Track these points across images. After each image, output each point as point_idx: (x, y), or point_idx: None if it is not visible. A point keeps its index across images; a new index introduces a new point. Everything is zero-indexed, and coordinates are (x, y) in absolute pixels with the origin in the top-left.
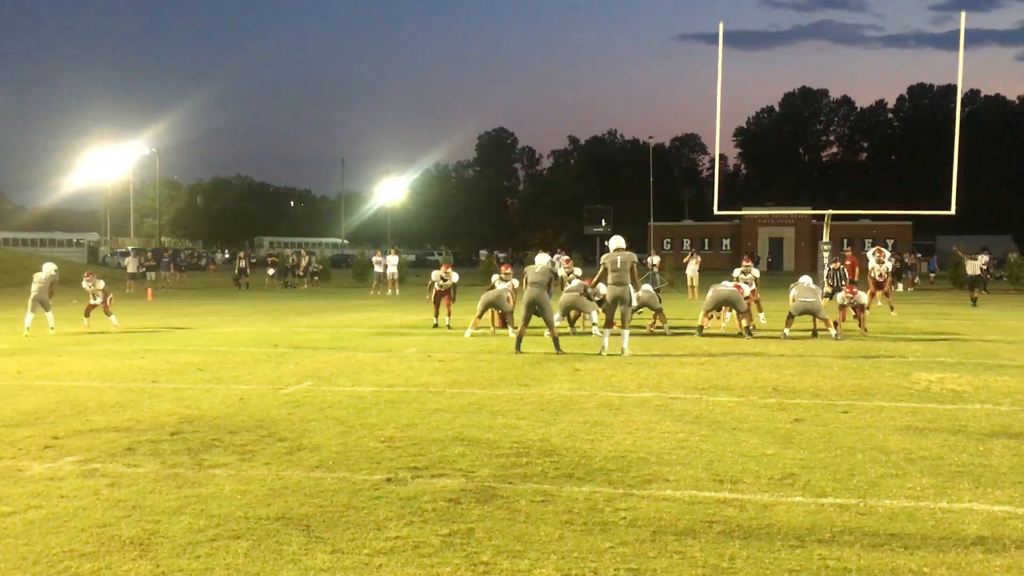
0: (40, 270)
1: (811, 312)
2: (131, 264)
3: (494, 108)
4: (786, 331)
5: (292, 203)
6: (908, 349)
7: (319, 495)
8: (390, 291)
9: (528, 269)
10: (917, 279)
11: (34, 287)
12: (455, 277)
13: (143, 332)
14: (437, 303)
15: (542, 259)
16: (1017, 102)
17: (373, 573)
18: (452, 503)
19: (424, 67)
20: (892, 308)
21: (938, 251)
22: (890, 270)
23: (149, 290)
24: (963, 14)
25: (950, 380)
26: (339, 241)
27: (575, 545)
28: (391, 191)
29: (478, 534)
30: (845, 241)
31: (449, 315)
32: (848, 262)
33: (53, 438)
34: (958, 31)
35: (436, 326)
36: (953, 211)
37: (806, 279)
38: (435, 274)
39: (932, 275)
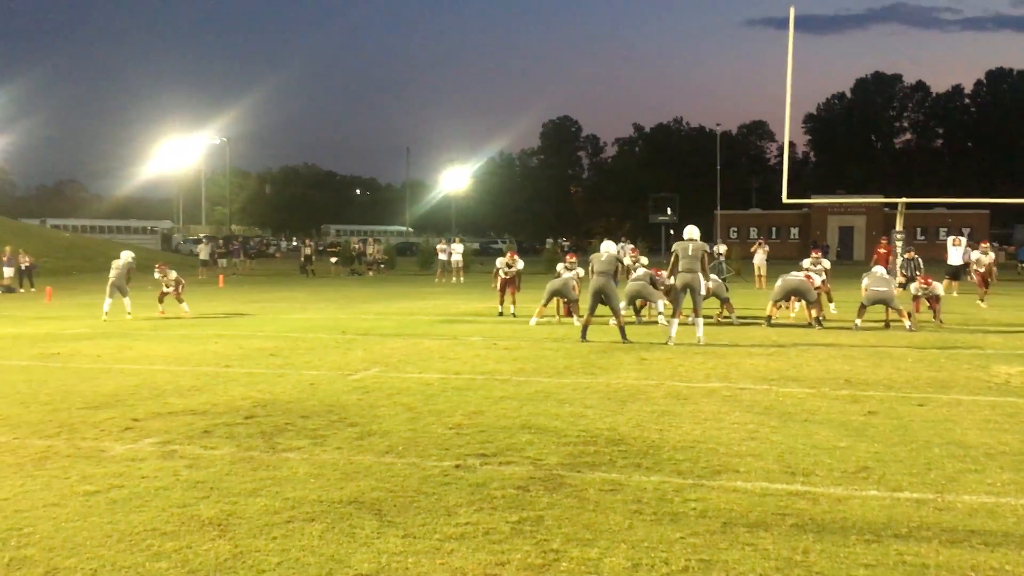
0: (118, 257)
1: (884, 302)
2: (203, 251)
3: (558, 96)
4: (858, 322)
5: (358, 191)
6: (986, 341)
7: (390, 480)
8: (455, 279)
9: (594, 257)
10: (994, 269)
11: (112, 273)
12: (520, 265)
13: (216, 318)
14: (503, 291)
15: (608, 247)
16: None
17: (444, 558)
18: (521, 490)
19: (488, 55)
20: (982, 300)
21: (1015, 240)
22: (993, 261)
23: (220, 277)
24: None
25: None
26: (404, 229)
27: (645, 535)
28: (455, 179)
29: (547, 521)
30: (919, 230)
31: (514, 303)
32: (883, 250)
33: (133, 420)
34: None
35: (501, 314)
36: None
37: (879, 268)
38: (500, 261)
39: (1022, 265)
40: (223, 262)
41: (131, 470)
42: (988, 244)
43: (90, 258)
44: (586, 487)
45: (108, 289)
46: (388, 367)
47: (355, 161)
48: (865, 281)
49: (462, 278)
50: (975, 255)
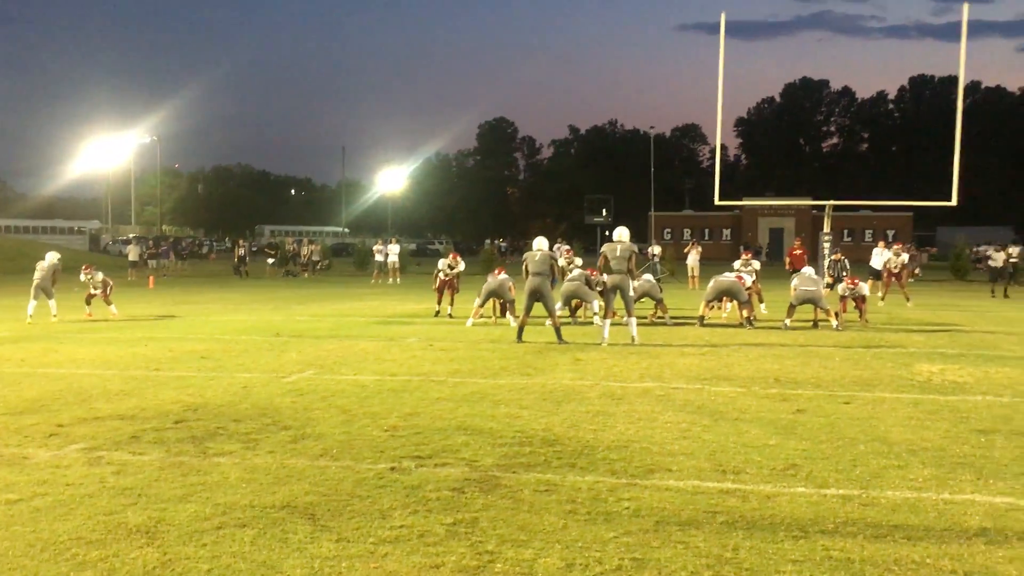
0: (43, 258)
1: (812, 302)
2: (132, 252)
3: (495, 97)
4: (787, 321)
5: (292, 191)
6: (909, 340)
7: (324, 484)
8: (391, 280)
9: (528, 257)
10: (918, 270)
11: (37, 275)
12: (462, 266)
13: (145, 320)
14: (441, 292)
15: (541, 243)
16: (1018, 93)
17: (378, 561)
18: (456, 492)
19: (424, 55)
20: (908, 299)
21: (938, 242)
22: (907, 262)
23: (151, 278)
24: (965, 5)
25: (951, 371)
26: (340, 230)
27: (579, 534)
28: (392, 180)
29: (482, 523)
30: (846, 231)
31: (452, 304)
32: (798, 251)
33: (58, 426)
34: (959, 22)
35: (438, 315)
36: (955, 202)
37: (808, 269)
38: (442, 262)
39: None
40: (153, 263)
41: (56, 477)
42: (902, 245)
43: (13, 259)
44: (521, 488)
45: (32, 291)
46: (323, 369)
47: (290, 161)
48: (794, 282)
49: (399, 279)
50: (888, 255)
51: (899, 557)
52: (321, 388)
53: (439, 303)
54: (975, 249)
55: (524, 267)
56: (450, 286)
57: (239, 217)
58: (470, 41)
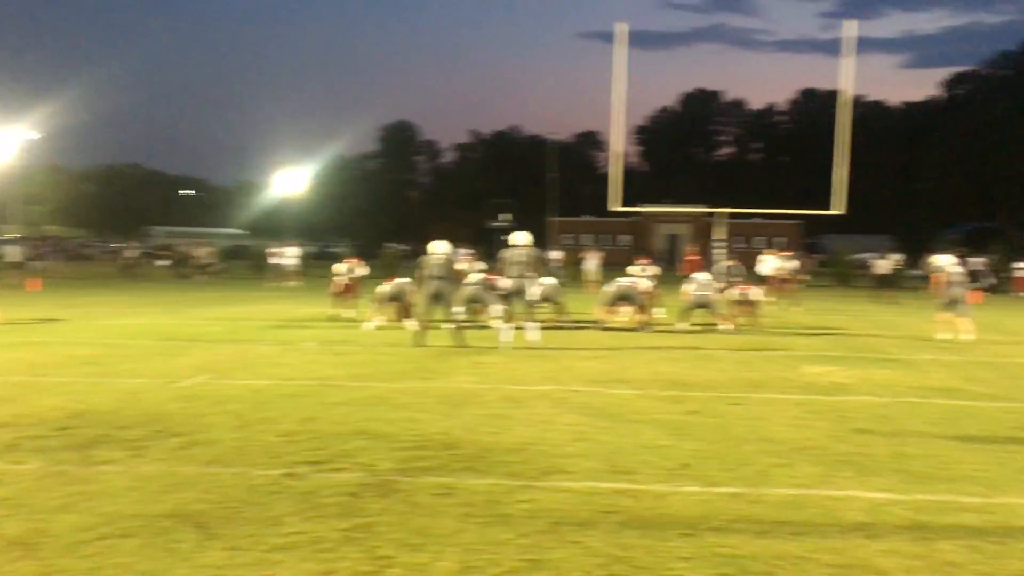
0: None
1: (706, 306)
2: (15, 253)
3: (397, 100)
4: (683, 325)
5: (186, 192)
6: (796, 343)
7: (215, 491)
8: (289, 283)
9: (428, 260)
10: (805, 276)
11: None
12: (362, 269)
13: (27, 324)
14: (340, 295)
15: (442, 246)
16: (897, 107)
17: (270, 569)
18: (352, 497)
19: (324, 56)
20: (793, 305)
21: (825, 250)
22: (794, 268)
23: (35, 280)
24: (847, 22)
25: (834, 373)
26: (237, 232)
27: (475, 537)
28: (291, 181)
29: (378, 528)
30: (739, 238)
31: (351, 308)
32: (694, 257)
33: None
34: (846, 39)
35: (337, 319)
36: (843, 211)
37: (702, 275)
38: (340, 266)
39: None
40: (37, 265)
41: None
42: (789, 252)
43: None
44: (418, 492)
45: None
46: (216, 374)
47: (183, 160)
48: (689, 287)
49: (297, 282)
50: (776, 262)
51: (783, 552)
52: (214, 393)
53: (338, 307)
54: (858, 257)
55: (424, 271)
56: (349, 290)
57: (129, 218)
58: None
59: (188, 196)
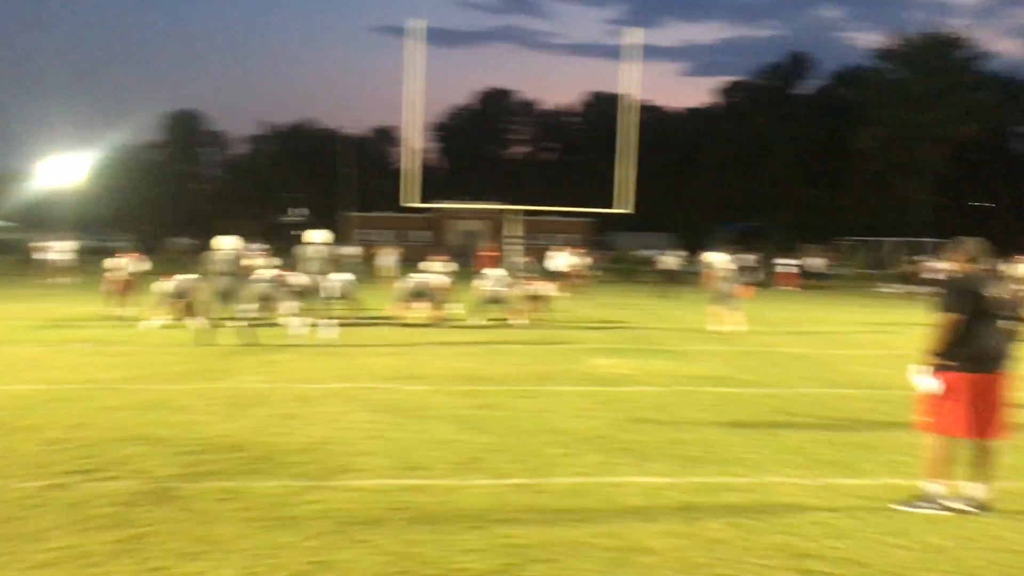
0: None
1: (500, 302)
2: None
3: (184, 90)
4: (478, 321)
5: None
6: (584, 337)
7: None
8: (60, 279)
9: (216, 256)
10: (595, 272)
11: None
12: (138, 266)
13: None
14: (117, 292)
15: (230, 242)
16: (677, 113)
17: None
18: (125, 507)
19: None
20: (583, 300)
21: (614, 247)
22: (585, 265)
23: None
24: (633, 30)
25: (618, 365)
26: (2, 223)
27: (259, 542)
28: (65, 170)
29: (153, 538)
30: (533, 235)
31: (131, 306)
32: (491, 253)
33: None
34: (630, 45)
35: (114, 318)
36: (629, 210)
37: (496, 270)
38: (114, 261)
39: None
40: None
41: None
42: (580, 249)
43: None
44: (199, 498)
45: None
46: None
47: None
48: (483, 283)
49: (70, 279)
50: (567, 258)
51: (566, 539)
52: None
53: (113, 305)
54: (643, 254)
55: (211, 267)
56: (127, 286)
57: None
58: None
59: None
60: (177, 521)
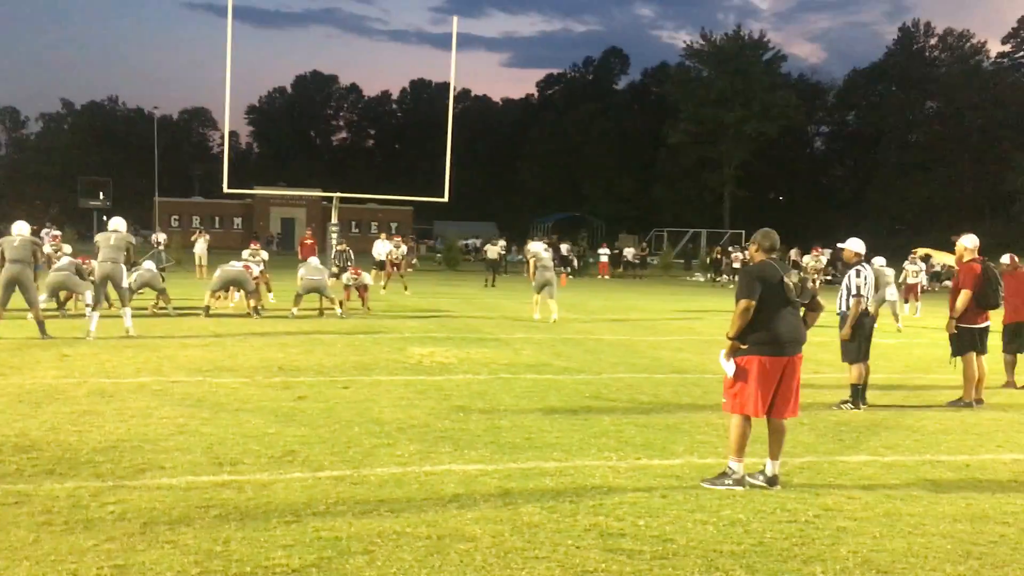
0: None
1: (318, 291)
2: None
3: None
4: (294, 310)
5: None
6: (405, 326)
7: None
8: None
9: (6, 242)
10: (415, 261)
11: None
12: None
13: None
14: None
15: (22, 227)
16: (500, 103)
17: None
18: None
19: None
20: (403, 288)
21: (436, 235)
22: (406, 253)
23: None
24: (456, 19)
25: (439, 353)
26: None
27: (53, 547)
28: None
29: None
30: (353, 223)
31: None
32: (309, 241)
33: None
34: (452, 33)
35: None
36: (446, 199)
37: (314, 259)
38: None
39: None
40: None
41: None
42: (400, 238)
43: None
44: None
45: None
46: None
47: None
48: (301, 271)
49: None
50: (389, 247)
51: (383, 530)
52: None
53: None
54: (465, 242)
55: (1, 254)
56: None
57: None
58: None
59: None
60: None
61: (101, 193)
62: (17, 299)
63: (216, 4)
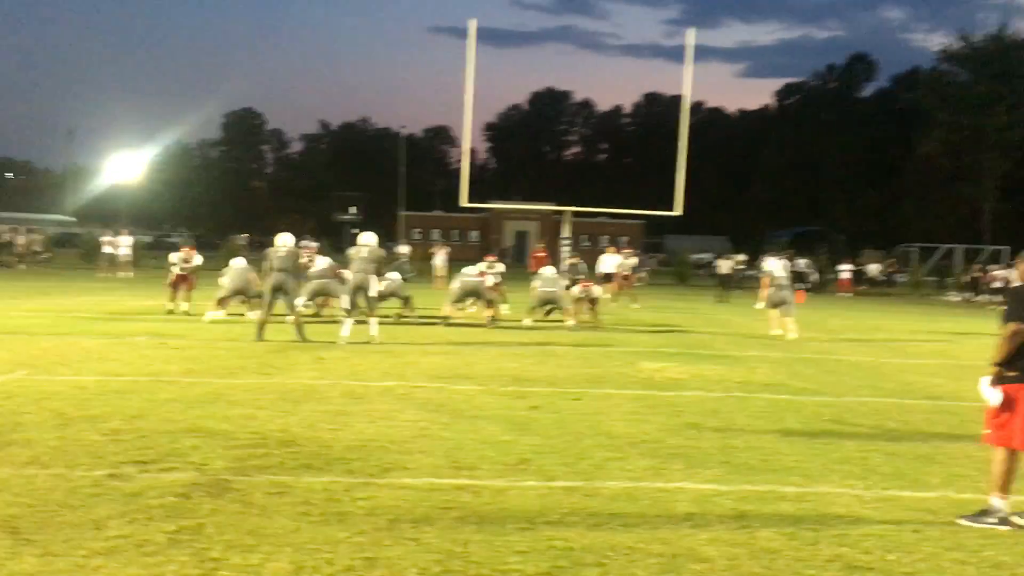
0: None
1: (552, 303)
2: None
3: (242, 87)
4: (528, 321)
5: (7, 175)
6: (636, 340)
7: (30, 494)
8: (121, 274)
9: (272, 252)
10: (644, 274)
11: None
12: (198, 260)
13: None
14: (176, 287)
15: (286, 238)
16: (735, 115)
17: (89, 575)
18: (181, 498)
19: (165, 36)
20: (633, 302)
21: (666, 249)
22: (635, 266)
23: None
24: (690, 31)
25: (670, 369)
26: (65, 219)
27: (310, 536)
28: (127, 167)
29: (208, 529)
30: (585, 237)
31: (188, 300)
32: (542, 254)
33: None
34: (686, 46)
35: (172, 312)
36: (679, 213)
37: (549, 270)
38: (175, 256)
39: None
40: None
41: None
42: (630, 251)
43: None
44: (252, 491)
45: None
46: (36, 369)
47: (6, 142)
48: (535, 283)
49: (130, 273)
50: (618, 260)
51: (615, 543)
52: (33, 390)
53: (172, 299)
54: (696, 257)
55: (267, 263)
56: (185, 281)
57: None
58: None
59: (11, 180)
60: (232, 513)
61: (353, 207)
62: (281, 305)
63: (459, 27)
